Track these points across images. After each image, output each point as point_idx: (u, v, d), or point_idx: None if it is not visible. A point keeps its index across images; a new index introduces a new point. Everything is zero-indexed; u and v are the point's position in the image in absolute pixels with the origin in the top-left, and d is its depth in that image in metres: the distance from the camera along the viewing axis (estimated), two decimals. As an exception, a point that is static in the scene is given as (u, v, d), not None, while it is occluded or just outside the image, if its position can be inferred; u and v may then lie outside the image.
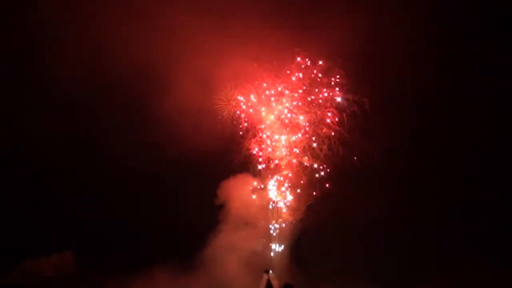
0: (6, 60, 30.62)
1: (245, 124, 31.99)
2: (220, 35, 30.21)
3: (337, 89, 30.81)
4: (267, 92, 31.55)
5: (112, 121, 31.64)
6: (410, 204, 30.56)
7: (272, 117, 31.74)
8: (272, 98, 31.53)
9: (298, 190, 31.51)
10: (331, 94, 30.92)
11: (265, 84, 31.43)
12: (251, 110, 31.87)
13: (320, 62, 30.79)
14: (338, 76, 30.63)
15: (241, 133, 31.97)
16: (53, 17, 29.24)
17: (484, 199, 30.03)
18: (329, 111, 30.96)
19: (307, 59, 31.00)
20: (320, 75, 30.95)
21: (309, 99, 31.19)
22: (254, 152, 31.80)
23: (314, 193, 31.07)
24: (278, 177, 31.78)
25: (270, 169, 31.92)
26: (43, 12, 29.19)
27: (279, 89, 31.38)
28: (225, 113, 31.77)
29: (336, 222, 29.92)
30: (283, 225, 31.73)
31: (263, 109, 31.72)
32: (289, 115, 31.42)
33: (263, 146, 31.89)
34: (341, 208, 29.71)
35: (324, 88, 30.98)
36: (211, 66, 30.93)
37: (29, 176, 31.40)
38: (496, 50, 29.40)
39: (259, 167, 31.87)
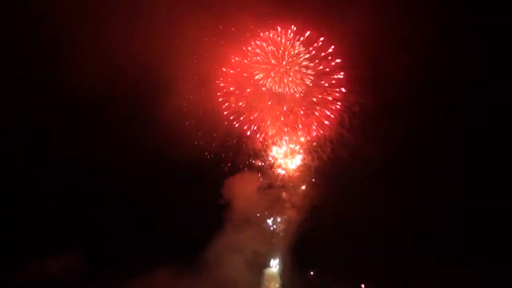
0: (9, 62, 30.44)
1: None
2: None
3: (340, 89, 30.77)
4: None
5: (114, 122, 31.65)
6: (411, 206, 30.86)
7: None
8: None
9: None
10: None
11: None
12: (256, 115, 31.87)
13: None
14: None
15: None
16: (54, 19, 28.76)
17: (485, 200, 30.32)
18: (330, 113, 30.99)
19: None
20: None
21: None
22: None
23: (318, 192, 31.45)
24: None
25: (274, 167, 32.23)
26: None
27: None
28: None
29: (337, 222, 30.28)
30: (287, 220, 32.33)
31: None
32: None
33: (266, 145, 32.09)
34: (343, 208, 30.01)
35: (326, 89, 30.94)
36: (212, 67, 31.06)
37: (34, 178, 31.56)
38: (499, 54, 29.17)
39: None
